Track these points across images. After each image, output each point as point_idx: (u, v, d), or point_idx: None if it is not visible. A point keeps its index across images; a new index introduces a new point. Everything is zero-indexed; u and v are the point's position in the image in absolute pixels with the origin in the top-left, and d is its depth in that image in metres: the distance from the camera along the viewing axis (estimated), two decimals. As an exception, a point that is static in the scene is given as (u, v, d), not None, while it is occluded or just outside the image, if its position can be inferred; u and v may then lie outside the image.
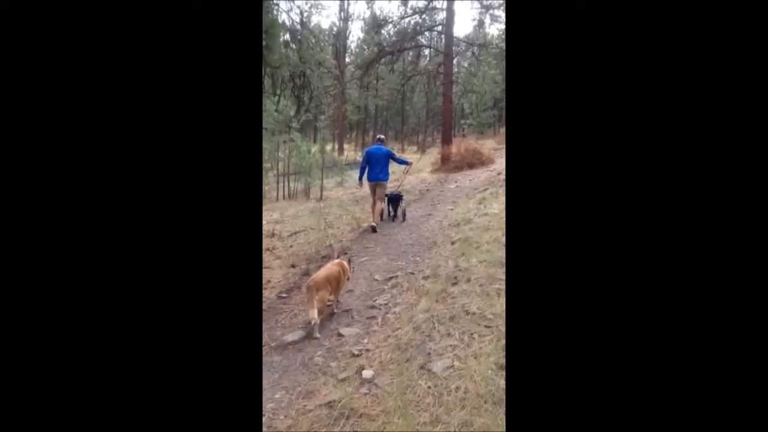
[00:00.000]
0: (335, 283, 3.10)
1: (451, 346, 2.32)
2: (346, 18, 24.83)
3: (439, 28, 13.50)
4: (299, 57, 4.94)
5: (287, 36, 4.95)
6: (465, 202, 6.25)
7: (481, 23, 22.04)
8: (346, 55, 25.40)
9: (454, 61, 16.03)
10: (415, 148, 22.10)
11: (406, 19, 14.55)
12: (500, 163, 9.57)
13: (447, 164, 10.63)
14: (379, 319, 2.92)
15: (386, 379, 2.15)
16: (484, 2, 14.53)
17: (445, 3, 12.09)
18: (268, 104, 8.83)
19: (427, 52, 21.01)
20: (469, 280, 3.10)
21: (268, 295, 3.78)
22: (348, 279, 3.35)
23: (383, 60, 14.56)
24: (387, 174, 5.55)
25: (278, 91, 5.37)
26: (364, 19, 26.48)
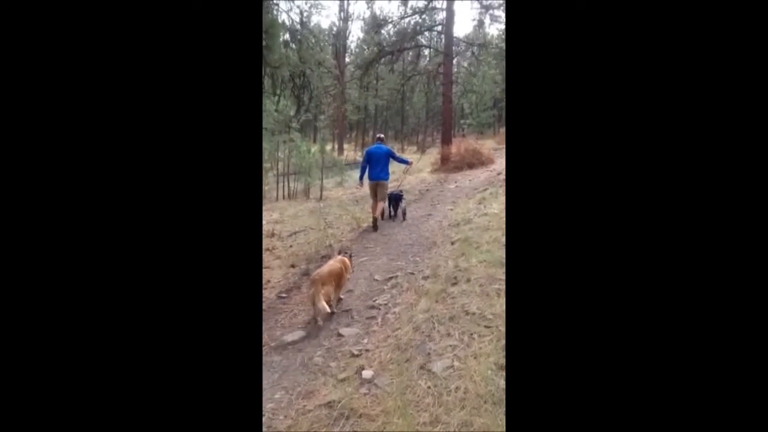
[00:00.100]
0: (338, 279, 3.12)
1: (450, 346, 2.32)
2: (346, 18, 24.84)
3: (439, 28, 13.50)
4: (299, 57, 4.95)
5: (287, 36, 4.95)
6: (465, 202, 6.25)
7: (480, 23, 22.03)
8: (346, 55, 25.39)
9: (454, 61, 16.04)
10: (414, 148, 22.09)
11: (406, 19, 14.58)
12: (500, 163, 9.57)
13: (447, 164, 10.63)
14: (379, 319, 2.92)
15: (386, 380, 2.15)
16: (484, 2, 14.50)
17: (445, 3, 12.10)
18: (268, 104, 8.82)
19: (426, 52, 21.00)
20: (468, 280, 3.10)
21: (267, 295, 3.78)
22: (349, 277, 3.35)
23: (383, 60, 14.57)
24: (387, 173, 5.54)
25: (278, 91, 5.37)
26: (363, 19, 26.54)
